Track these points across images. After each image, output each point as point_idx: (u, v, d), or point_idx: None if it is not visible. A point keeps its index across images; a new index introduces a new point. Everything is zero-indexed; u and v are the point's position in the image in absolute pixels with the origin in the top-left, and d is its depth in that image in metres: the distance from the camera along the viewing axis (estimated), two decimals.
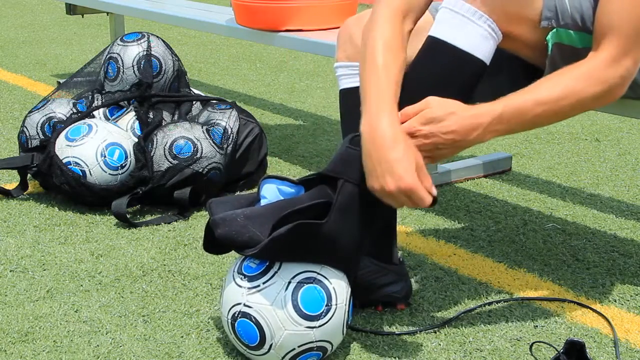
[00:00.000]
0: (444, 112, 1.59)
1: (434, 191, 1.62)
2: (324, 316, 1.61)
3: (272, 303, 1.59)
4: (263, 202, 1.68)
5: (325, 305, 1.61)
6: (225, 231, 1.60)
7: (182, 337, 1.79)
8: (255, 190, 2.69)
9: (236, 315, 1.61)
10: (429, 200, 1.60)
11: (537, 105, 1.59)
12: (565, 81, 1.60)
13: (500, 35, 1.62)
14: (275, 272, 1.60)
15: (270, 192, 1.69)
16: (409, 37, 1.71)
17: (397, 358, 1.71)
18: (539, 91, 1.60)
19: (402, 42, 1.67)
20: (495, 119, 1.59)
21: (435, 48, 1.63)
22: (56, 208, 2.54)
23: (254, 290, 1.60)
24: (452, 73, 1.61)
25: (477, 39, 1.60)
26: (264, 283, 1.60)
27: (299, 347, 1.61)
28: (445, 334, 1.79)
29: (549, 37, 1.68)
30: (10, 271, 2.12)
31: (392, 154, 1.55)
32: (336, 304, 1.62)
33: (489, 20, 1.59)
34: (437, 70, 1.63)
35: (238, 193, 2.66)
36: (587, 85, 1.60)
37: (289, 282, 1.60)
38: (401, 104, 1.63)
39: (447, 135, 1.59)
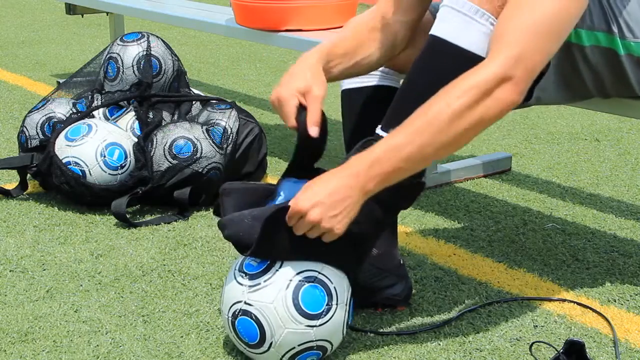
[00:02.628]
0: (309, 197, 1.55)
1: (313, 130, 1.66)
2: (325, 315, 1.61)
3: (273, 301, 1.59)
4: (279, 199, 1.69)
5: (326, 305, 1.61)
6: (233, 232, 1.61)
7: (182, 337, 1.79)
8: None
9: (237, 313, 1.61)
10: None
11: (412, 135, 1.52)
12: (437, 99, 1.53)
13: None
14: (277, 271, 1.61)
15: (288, 188, 1.69)
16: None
17: (397, 358, 1.71)
18: (413, 118, 1.53)
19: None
20: (370, 164, 1.53)
21: (437, 48, 1.62)
22: (56, 208, 2.54)
23: (254, 288, 1.60)
24: (456, 73, 1.61)
25: (480, 38, 1.59)
26: (265, 281, 1.60)
27: (298, 345, 1.61)
28: (445, 334, 1.79)
29: None
30: (10, 271, 2.12)
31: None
32: (337, 304, 1.62)
33: (491, 18, 1.58)
34: (441, 71, 1.62)
35: None
36: (458, 95, 1.51)
37: (290, 281, 1.60)
38: (405, 105, 1.63)
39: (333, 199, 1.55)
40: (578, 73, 1.80)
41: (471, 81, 1.52)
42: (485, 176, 2.83)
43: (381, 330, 1.81)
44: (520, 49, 1.52)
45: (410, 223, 2.41)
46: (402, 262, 1.90)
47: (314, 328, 1.60)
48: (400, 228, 2.35)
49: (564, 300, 1.94)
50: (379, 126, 1.67)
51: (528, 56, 1.53)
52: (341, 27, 2.05)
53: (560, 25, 1.56)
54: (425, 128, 1.52)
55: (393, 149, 1.53)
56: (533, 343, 1.73)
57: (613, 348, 1.74)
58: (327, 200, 1.54)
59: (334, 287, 1.62)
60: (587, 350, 1.60)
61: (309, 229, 1.57)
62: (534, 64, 1.54)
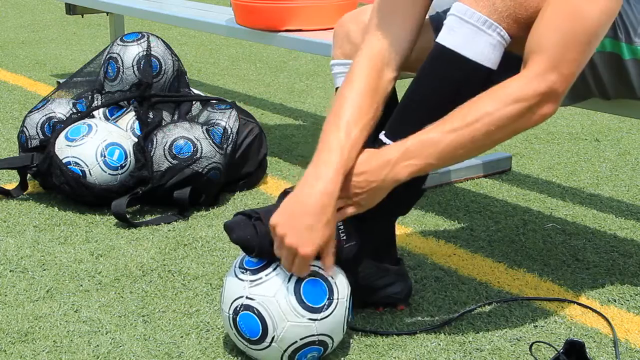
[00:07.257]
0: None
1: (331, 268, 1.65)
2: (326, 309, 1.61)
3: (274, 294, 1.60)
4: None
5: (327, 299, 1.62)
6: (239, 235, 1.64)
7: (182, 337, 1.79)
8: (255, 189, 2.70)
9: (238, 308, 1.62)
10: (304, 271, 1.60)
11: (447, 134, 1.55)
12: (478, 104, 1.55)
13: (509, 40, 1.60)
14: (278, 266, 1.62)
15: None
16: (391, 85, 1.72)
17: (397, 358, 1.71)
18: (450, 119, 1.56)
19: (373, 97, 1.68)
20: (402, 153, 1.57)
21: (444, 58, 1.61)
22: (56, 208, 2.54)
23: (256, 282, 1.61)
24: (461, 84, 1.60)
25: (487, 49, 1.58)
26: (266, 275, 1.62)
27: (300, 339, 1.61)
28: (445, 334, 1.79)
29: None
30: (10, 271, 2.12)
31: (310, 221, 1.56)
32: (338, 299, 1.63)
33: (498, 28, 1.57)
34: (447, 81, 1.61)
35: (238, 193, 2.66)
36: (501, 106, 1.52)
37: (292, 274, 1.61)
38: (411, 113, 1.63)
39: (359, 179, 1.60)
40: (582, 76, 1.79)
41: (514, 94, 1.52)
42: (485, 176, 2.83)
43: (381, 330, 1.81)
44: (562, 62, 1.51)
45: (410, 223, 2.41)
46: (401, 261, 1.90)
47: (316, 322, 1.61)
48: (400, 228, 2.35)
49: (564, 300, 1.94)
50: (382, 132, 1.67)
51: (571, 70, 1.53)
52: None
53: (600, 29, 1.54)
54: (463, 131, 1.54)
55: (430, 144, 1.55)
56: (533, 343, 1.73)
57: (613, 348, 1.74)
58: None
59: (335, 283, 1.64)
60: (587, 350, 1.60)
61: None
62: (574, 75, 1.54)
